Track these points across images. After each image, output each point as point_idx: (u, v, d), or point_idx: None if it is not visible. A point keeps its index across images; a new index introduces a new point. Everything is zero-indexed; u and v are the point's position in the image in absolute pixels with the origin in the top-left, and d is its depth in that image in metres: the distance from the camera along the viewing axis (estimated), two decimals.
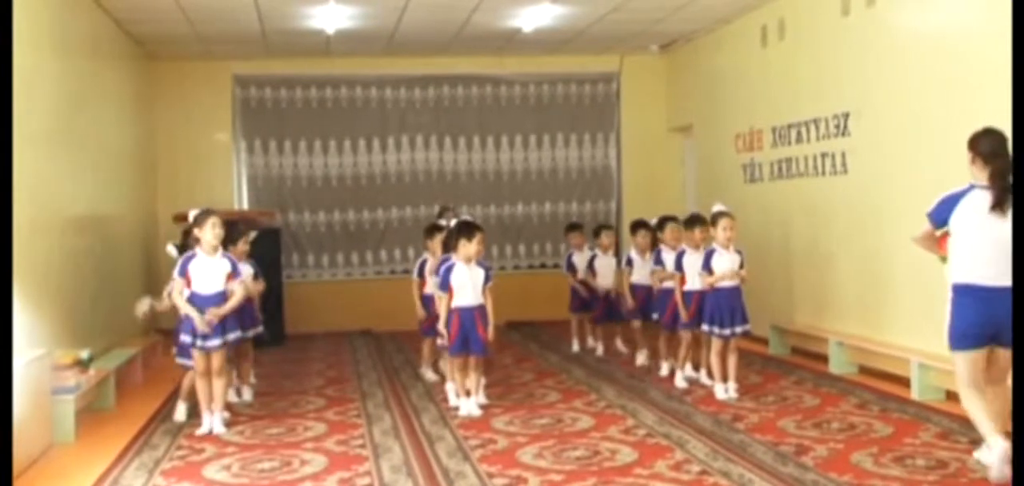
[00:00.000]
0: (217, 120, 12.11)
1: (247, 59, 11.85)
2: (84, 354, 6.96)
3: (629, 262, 8.99)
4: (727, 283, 7.25)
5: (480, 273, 6.99)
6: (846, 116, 8.49)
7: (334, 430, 6.51)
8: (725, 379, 7.30)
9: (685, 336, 7.85)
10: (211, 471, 5.58)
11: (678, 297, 7.82)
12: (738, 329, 7.30)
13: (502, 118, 12.66)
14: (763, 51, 9.96)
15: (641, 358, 8.82)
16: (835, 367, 8.21)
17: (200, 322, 6.40)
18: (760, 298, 9.09)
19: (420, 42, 11.22)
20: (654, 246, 8.59)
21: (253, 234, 7.74)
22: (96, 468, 5.66)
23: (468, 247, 6.94)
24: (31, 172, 6.85)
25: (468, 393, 6.99)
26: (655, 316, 8.40)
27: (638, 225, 9.11)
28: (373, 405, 7.37)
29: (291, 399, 7.68)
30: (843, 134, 8.56)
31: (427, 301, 8.00)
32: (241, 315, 6.86)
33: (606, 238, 9.65)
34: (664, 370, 8.18)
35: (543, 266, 12.84)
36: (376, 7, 9.53)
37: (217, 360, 6.55)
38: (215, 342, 6.48)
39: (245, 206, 11.99)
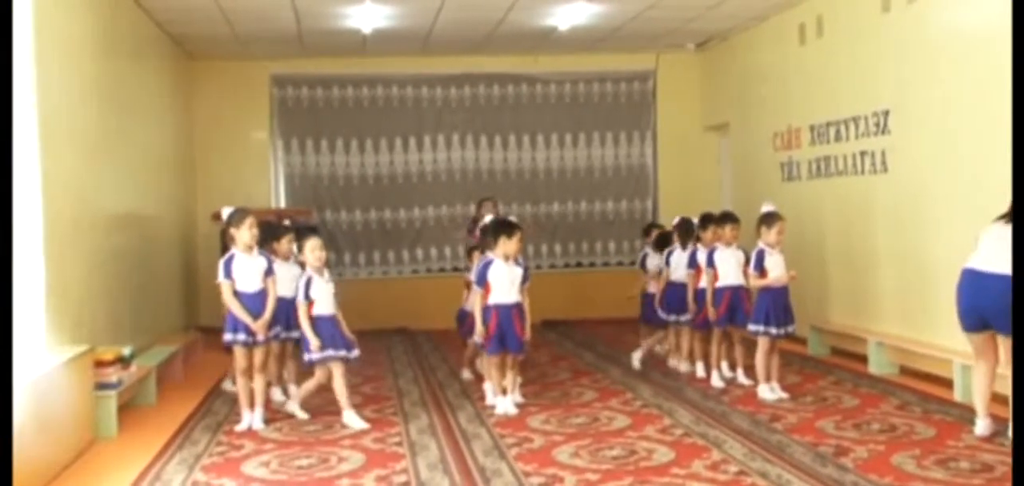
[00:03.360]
0: (255, 119, 12.21)
1: (284, 59, 11.94)
2: (126, 350, 7.04)
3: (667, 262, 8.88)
4: (778, 283, 7.23)
5: (518, 271, 6.99)
6: (886, 114, 8.40)
7: (371, 427, 6.54)
8: (769, 379, 7.24)
9: (717, 335, 7.81)
10: (250, 467, 5.64)
11: (709, 295, 7.78)
12: (791, 328, 7.29)
13: (538, 117, 12.65)
14: (801, 49, 9.87)
15: (673, 361, 8.74)
16: (875, 367, 8.12)
17: (258, 326, 6.52)
18: (799, 297, 8.96)
19: (456, 41, 11.24)
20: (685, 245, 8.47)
21: (292, 232, 7.78)
22: (138, 463, 5.74)
23: (508, 244, 6.94)
24: (74, 173, 6.95)
25: (504, 391, 6.99)
26: (669, 317, 8.38)
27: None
28: (409, 403, 7.40)
29: (328, 396, 7.71)
30: (883, 132, 8.46)
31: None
32: (284, 314, 6.91)
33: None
34: (700, 371, 8.12)
35: (579, 265, 12.82)
36: (412, 6, 9.55)
37: (259, 357, 6.63)
38: (258, 337, 6.58)
39: (282, 204, 12.07)
